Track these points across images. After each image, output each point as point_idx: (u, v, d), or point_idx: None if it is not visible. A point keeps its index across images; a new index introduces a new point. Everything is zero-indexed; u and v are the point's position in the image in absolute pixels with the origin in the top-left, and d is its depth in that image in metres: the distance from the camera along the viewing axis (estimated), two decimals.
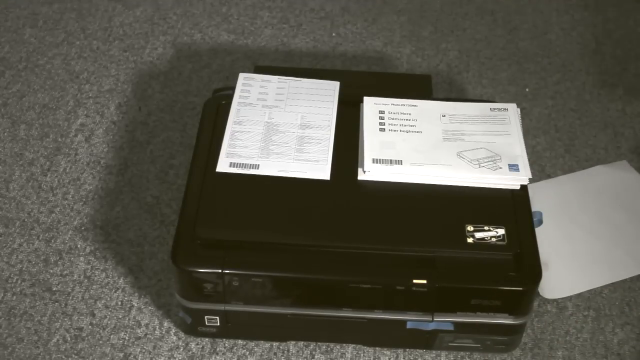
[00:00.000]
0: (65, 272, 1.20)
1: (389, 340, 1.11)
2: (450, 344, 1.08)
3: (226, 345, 1.12)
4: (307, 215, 1.06)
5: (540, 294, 1.17)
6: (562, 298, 1.18)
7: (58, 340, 1.12)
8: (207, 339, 1.13)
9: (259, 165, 1.10)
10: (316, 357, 1.11)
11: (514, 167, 1.09)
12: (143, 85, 1.49)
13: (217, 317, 1.07)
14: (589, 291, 1.19)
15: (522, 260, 1.02)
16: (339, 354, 1.12)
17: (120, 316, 1.15)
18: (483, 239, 1.02)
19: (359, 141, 1.14)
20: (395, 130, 1.15)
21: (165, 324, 1.14)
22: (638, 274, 1.21)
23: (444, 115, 1.17)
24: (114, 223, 1.26)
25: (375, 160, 1.10)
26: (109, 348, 1.12)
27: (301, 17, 1.65)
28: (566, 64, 1.55)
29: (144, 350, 1.12)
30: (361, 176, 1.10)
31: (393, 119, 1.16)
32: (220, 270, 1.01)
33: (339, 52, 1.57)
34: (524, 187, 1.09)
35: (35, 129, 1.41)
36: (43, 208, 1.29)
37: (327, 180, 1.09)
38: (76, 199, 1.30)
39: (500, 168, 1.09)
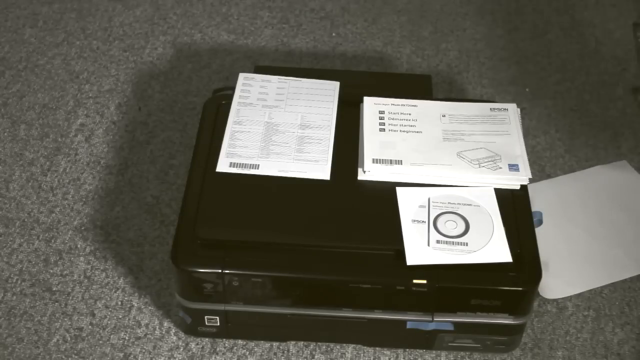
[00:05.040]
0: (65, 272, 1.20)
1: (389, 340, 1.11)
2: (450, 344, 1.08)
3: (226, 345, 1.12)
4: (307, 215, 1.06)
5: (540, 294, 1.17)
6: (562, 298, 1.18)
7: (58, 340, 1.13)
8: (207, 339, 1.13)
9: (259, 165, 1.10)
10: (316, 357, 1.11)
11: (514, 167, 1.09)
12: (143, 85, 1.49)
13: (217, 317, 1.07)
14: (589, 291, 1.19)
15: (522, 260, 1.02)
16: (339, 354, 1.12)
17: (120, 316, 1.15)
18: None
19: (359, 141, 1.14)
20: (395, 130, 1.15)
21: (165, 324, 1.15)
22: (638, 274, 1.21)
23: (444, 115, 1.17)
24: (114, 223, 1.26)
25: (375, 160, 1.10)
26: (109, 348, 1.12)
27: (301, 17, 1.65)
28: (566, 64, 1.55)
29: (144, 350, 1.12)
30: (361, 176, 1.10)
31: (393, 119, 1.16)
32: (220, 270, 1.01)
33: (339, 52, 1.57)
34: (524, 187, 1.09)
35: (35, 129, 1.41)
36: (43, 208, 1.29)
37: (327, 180, 1.09)
38: (76, 199, 1.30)
39: (500, 168, 1.09)
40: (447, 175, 1.09)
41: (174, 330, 1.14)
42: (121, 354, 1.11)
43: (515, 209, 1.07)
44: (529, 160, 1.11)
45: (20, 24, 1.62)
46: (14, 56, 1.55)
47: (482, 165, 1.09)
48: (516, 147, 1.12)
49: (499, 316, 1.03)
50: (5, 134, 1.40)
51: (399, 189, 1.07)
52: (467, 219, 1.04)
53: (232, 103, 1.18)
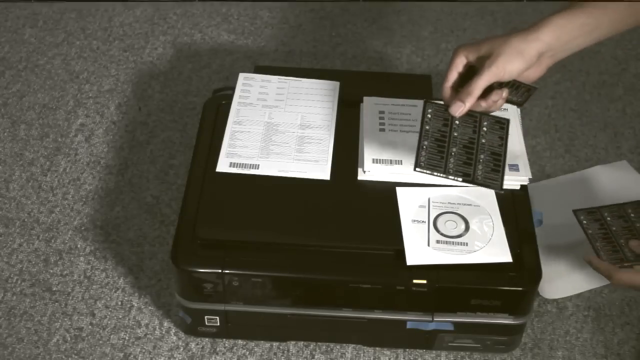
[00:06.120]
0: (65, 272, 1.20)
1: (389, 340, 1.11)
2: (450, 344, 1.08)
3: (226, 345, 1.12)
4: (307, 215, 1.06)
5: (540, 294, 1.17)
6: (562, 298, 1.18)
7: (58, 340, 1.13)
8: (207, 339, 1.13)
9: (259, 165, 1.10)
10: (316, 357, 1.11)
11: (514, 167, 1.09)
12: (143, 85, 1.49)
13: (217, 317, 1.07)
14: (589, 291, 1.19)
15: (522, 260, 1.02)
16: (339, 354, 1.12)
17: (120, 316, 1.15)
18: None
19: (359, 141, 1.14)
20: (395, 130, 1.15)
21: (165, 324, 1.15)
22: None
23: None
24: (114, 223, 1.26)
25: (375, 160, 1.10)
26: (109, 348, 1.12)
27: (301, 17, 1.65)
28: (566, 64, 1.55)
29: (144, 350, 1.12)
30: (361, 176, 1.10)
31: (393, 119, 1.16)
32: (220, 270, 1.01)
33: (339, 52, 1.57)
34: (524, 187, 1.09)
35: (35, 129, 1.41)
36: (43, 208, 1.29)
37: (327, 180, 1.09)
38: (76, 199, 1.30)
39: None
40: None
41: (174, 330, 1.14)
42: (121, 354, 1.11)
43: (515, 209, 1.07)
44: (529, 160, 1.11)
45: (20, 24, 1.62)
46: (14, 56, 1.55)
47: None
48: (516, 147, 1.12)
49: (499, 316, 1.03)
50: (5, 134, 1.40)
51: (399, 189, 1.07)
52: (467, 219, 1.04)
53: (232, 103, 1.18)
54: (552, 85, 1.51)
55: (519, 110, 1.18)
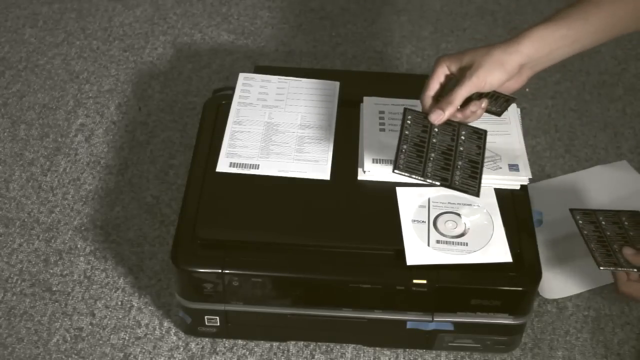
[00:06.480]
0: (65, 272, 1.20)
1: (389, 340, 1.11)
2: (450, 344, 1.08)
3: (226, 345, 1.12)
4: (307, 215, 1.06)
5: (540, 294, 1.17)
6: (562, 298, 1.18)
7: (58, 340, 1.13)
8: (207, 339, 1.13)
9: (259, 165, 1.10)
10: (316, 357, 1.11)
11: (514, 167, 1.09)
12: (143, 85, 1.50)
13: (217, 317, 1.07)
14: (589, 291, 1.19)
15: (522, 260, 1.02)
16: (339, 354, 1.12)
17: (120, 316, 1.15)
18: None
19: (359, 141, 1.14)
20: (395, 130, 1.14)
21: (165, 324, 1.15)
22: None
23: None
24: (114, 223, 1.26)
25: (375, 160, 1.10)
26: (109, 348, 1.12)
27: (301, 17, 1.65)
28: (566, 64, 1.55)
29: (144, 350, 1.12)
30: (361, 176, 1.10)
31: (393, 119, 1.16)
32: (220, 270, 1.01)
33: (339, 52, 1.57)
34: (524, 187, 1.09)
35: (35, 129, 1.41)
36: (43, 208, 1.29)
37: (327, 180, 1.09)
38: (76, 199, 1.30)
39: (500, 168, 1.09)
40: None
41: (174, 330, 1.14)
42: (121, 354, 1.11)
43: (515, 209, 1.07)
44: (529, 160, 1.11)
45: (20, 24, 1.62)
46: (14, 56, 1.55)
47: None
48: (516, 147, 1.12)
49: (499, 316, 1.03)
50: (5, 134, 1.40)
51: (399, 189, 1.07)
52: (467, 219, 1.04)
53: (232, 103, 1.18)
54: (552, 85, 1.51)
55: (518, 110, 1.18)
